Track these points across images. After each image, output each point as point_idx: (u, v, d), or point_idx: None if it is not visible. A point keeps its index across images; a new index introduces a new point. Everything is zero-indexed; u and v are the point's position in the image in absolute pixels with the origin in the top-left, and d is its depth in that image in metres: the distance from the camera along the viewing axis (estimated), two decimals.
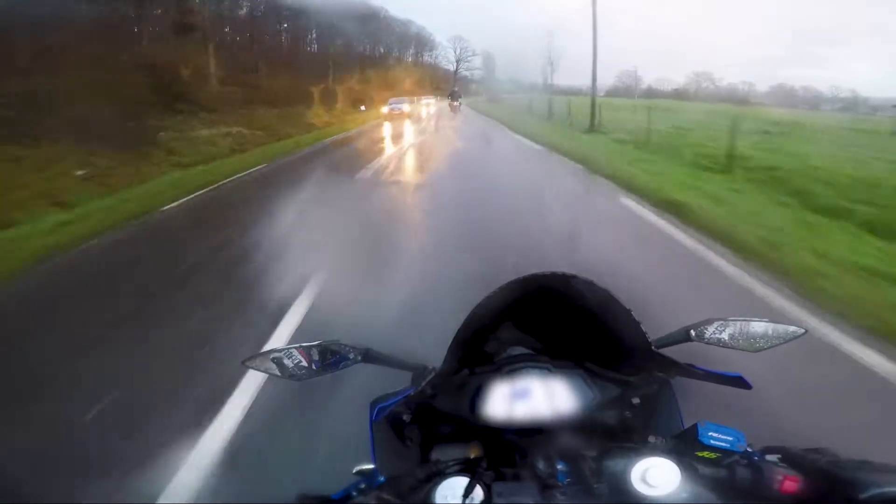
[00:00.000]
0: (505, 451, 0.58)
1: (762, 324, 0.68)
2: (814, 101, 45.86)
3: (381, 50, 42.32)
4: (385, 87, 34.27)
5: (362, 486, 0.60)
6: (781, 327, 0.69)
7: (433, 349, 0.66)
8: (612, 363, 0.64)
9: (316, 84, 24.78)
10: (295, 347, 0.69)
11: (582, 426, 0.59)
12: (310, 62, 28.75)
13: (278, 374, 0.69)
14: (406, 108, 24.04)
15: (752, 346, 0.68)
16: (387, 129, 17.92)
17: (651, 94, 52.60)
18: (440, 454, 0.59)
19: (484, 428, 0.59)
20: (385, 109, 24.12)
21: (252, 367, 0.69)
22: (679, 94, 52.51)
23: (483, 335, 0.67)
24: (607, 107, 16.64)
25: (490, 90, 48.72)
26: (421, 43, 50.75)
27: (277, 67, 23.96)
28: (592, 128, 14.53)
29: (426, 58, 52.75)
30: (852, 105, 42.20)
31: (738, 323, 0.69)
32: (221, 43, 22.65)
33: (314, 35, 33.54)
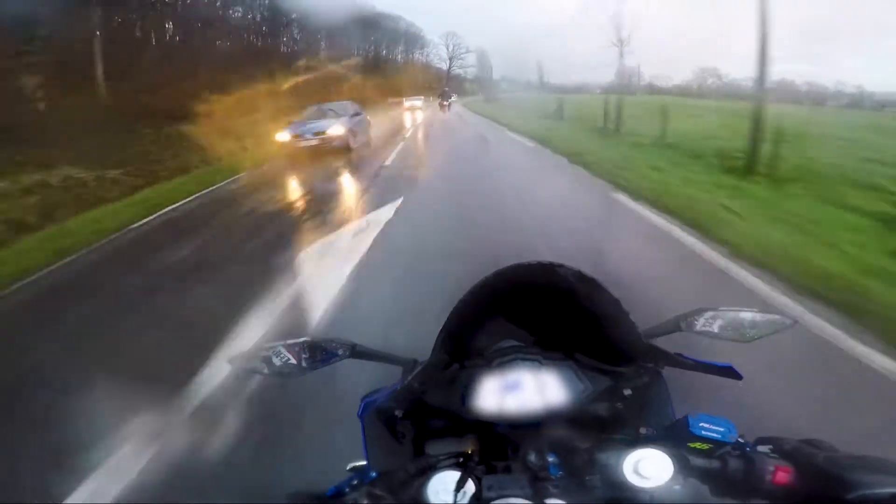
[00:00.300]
0: (497, 445, 0.57)
1: (750, 314, 0.66)
2: (819, 97, 43.29)
3: (368, 48, 38.06)
4: (368, 89, 30.42)
5: (354, 482, 0.53)
6: (770, 317, 0.66)
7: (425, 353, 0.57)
8: (603, 354, 0.60)
9: (274, 89, 18.97)
10: (281, 344, 0.66)
11: (573, 418, 0.56)
12: (279, 64, 23.90)
13: (265, 371, 0.66)
14: (336, 131, 10.05)
15: (743, 336, 0.65)
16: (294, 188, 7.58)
17: (652, 90, 49.33)
18: (433, 449, 0.58)
19: (475, 422, 0.56)
20: (283, 136, 10.20)
21: (238, 366, 0.66)
22: (682, 91, 49.29)
23: (471, 327, 0.62)
24: (639, 107, 11.52)
25: (487, 89, 45.80)
26: (411, 40, 47.00)
27: (226, 71, 18.17)
28: (754, 167, 6.33)
29: (417, 56, 49.06)
30: (858, 101, 39.75)
31: (728, 313, 0.66)
32: (134, 42, 16.69)
33: (294, 36, 29.27)
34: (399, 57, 44.74)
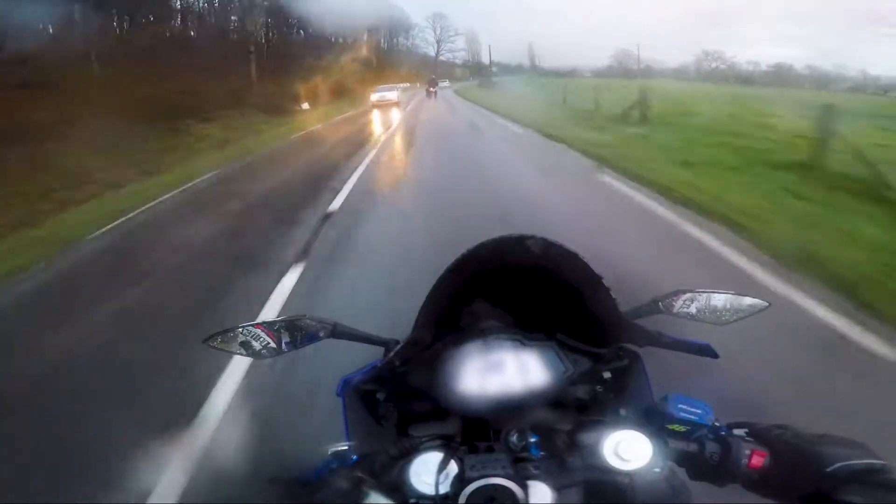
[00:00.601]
0: (479, 426, 0.56)
1: (726, 296, 0.66)
2: (821, 81, 41.31)
3: (345, 32, 35.12)
4: (346, 78, 27.92)
5: (335, 465, 0.51)
6: (745, 300, 0.66)
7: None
8: (583, 333, 0.60)
9: (222, 80, 15.24)
10: (259, 325, 0.64)
11: (554, 400, 0.57)
12: (230, 50, 20.52)
13: (243, 353, 0.63)
14: None
15: (719, 319, 0.66)
16: None
17: (649, 73, 46.84)
18: (416, 432, 0.57)
19: (457, 403, 0.56)
20: None
21: (214, 347, 0.63)
22: (678, 74, 47.03)
23: (450, 306, 0.61)
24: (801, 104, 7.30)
25: (482, 73, 44.07)
26: (396, 24, 44.08)
27: (157, 58, 14.54)
28: None
29: (402, 41, 46.20)
30: (861, 85, 37.96)
31: (704, 295, 0.66)
32: None
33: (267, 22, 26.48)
34: (383, 42, 41.88)
